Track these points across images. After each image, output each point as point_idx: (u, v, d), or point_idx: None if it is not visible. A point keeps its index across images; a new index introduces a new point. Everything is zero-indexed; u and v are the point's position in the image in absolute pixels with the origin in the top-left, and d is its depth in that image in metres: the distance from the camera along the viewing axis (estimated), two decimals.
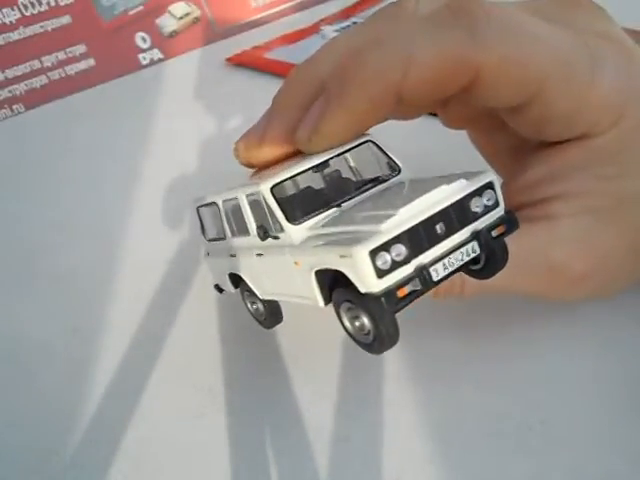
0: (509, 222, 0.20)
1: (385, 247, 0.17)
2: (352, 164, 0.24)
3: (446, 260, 0.19)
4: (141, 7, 0.61)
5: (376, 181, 0.22)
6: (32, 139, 0.54)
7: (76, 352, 0.31)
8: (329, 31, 0.60)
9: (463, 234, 0.19)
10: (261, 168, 0.25)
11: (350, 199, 0.22)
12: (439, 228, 0.19)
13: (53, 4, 0.58)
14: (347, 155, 0.23)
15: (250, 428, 0.25)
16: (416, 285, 0.18)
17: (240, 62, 0.58)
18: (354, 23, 0.61)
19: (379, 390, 0.25)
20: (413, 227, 0.18)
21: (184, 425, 0.26)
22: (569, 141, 0.23)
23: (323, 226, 0.21)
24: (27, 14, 0.57)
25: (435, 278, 0.18)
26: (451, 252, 0.19)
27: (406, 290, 0.18)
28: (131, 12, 0.61)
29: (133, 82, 0.60)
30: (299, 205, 0.22)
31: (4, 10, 0.56)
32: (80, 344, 0.31)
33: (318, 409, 0.25)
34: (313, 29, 0.61)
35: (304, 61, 0.24)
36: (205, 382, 0.27)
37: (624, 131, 0.22)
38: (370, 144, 0.23)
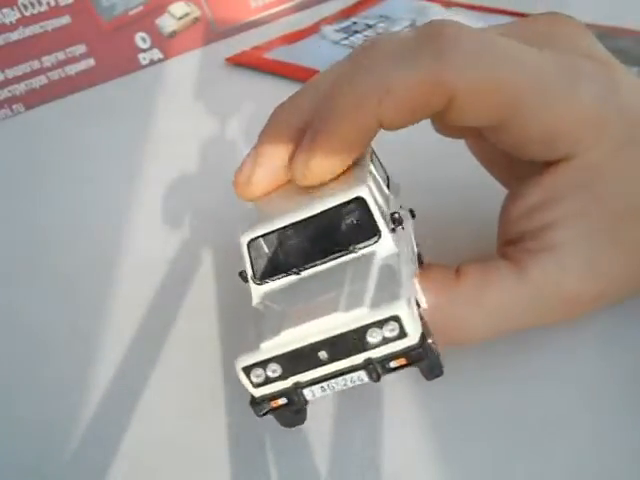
0: (419, 354, 0.19)
1: (260, 364, 0.19)
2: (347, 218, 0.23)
3: (326, 384, 0.19)
4: (141, 7, 0.61)
5: (345, 250, 0.22)
6: (32, 139, 0.54)
7: (76, 352, 0.31)
8: (329, 31, 0.60)
9: (351, 361, 0.19)
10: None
11: (314, 266, 0.22)
12: (321, 354, 0.19)
13: (53, 4, 0.57)
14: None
15: (250, 428, 0.25)
16: None
17: (240, 62, 0.58)
18: (354, 23, 0.61)
19: (379, 390, 0.25)
20: (290, 351, 0.19)
21: (184, 425, 0.26)
22: (558, 163, 0.23)
23: (267, 300, 0.22)
24: (27, 14, 0.57)
25: (309, 398, 0.20)
26: (333, 377, 0.19)
27: (280, 402, 0.20)
28: (131, 12, 0.61)
29: (133, 82, 0.60)
30: (269, 262, 0.23)
31: (4, 10, 0.56)
32: (80, 344, 0.31)
33: (318, 409, 0.25)
34: (313, 29, 0.61)
35: (286, 100, 0.24)
36: (205, 382, 0.27)
37: (608, 148, 0.22)
38: (361, 201, 0.21)
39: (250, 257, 0.22)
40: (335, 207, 0.22)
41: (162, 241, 0.37)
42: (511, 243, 0.24)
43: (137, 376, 0.28)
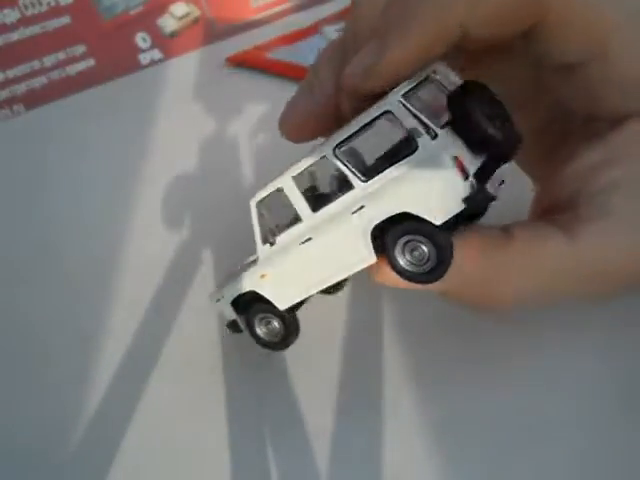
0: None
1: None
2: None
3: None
4: (141, 7, 0.61)
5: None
6: (32, 140, 0.54)
7: (77, 352, 0.31)
8: (329, 31, 0.60)
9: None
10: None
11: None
12: None
13: (53, 4, 0.58)
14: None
15: (250, 428, 0.25)
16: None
17: (240, 62, 0.58)
18: None
19: (379, 390, 0.25)
20: None
21: (184, 425, 0.26)
22: (621, 123, 0.21)
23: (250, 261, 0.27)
24: (27, 14, 0.57)
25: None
26: None
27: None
28: (131, 12, 0.61)
29: (133, 82, 0.60)
30: (269, 229, 0.25)
31: (5, 10, 0.56)
32: (81, 344, 0.31)
33: (318, 409, 0.25)
34: (313, 29, 0.61)
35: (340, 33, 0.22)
36: (205, 382, 0.27)
37: None
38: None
39: (257, 217, 0.26)
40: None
41: (162, 241, 0.37)
42: (556, 210, 0.22)
43: (137, 376, 0.28)
